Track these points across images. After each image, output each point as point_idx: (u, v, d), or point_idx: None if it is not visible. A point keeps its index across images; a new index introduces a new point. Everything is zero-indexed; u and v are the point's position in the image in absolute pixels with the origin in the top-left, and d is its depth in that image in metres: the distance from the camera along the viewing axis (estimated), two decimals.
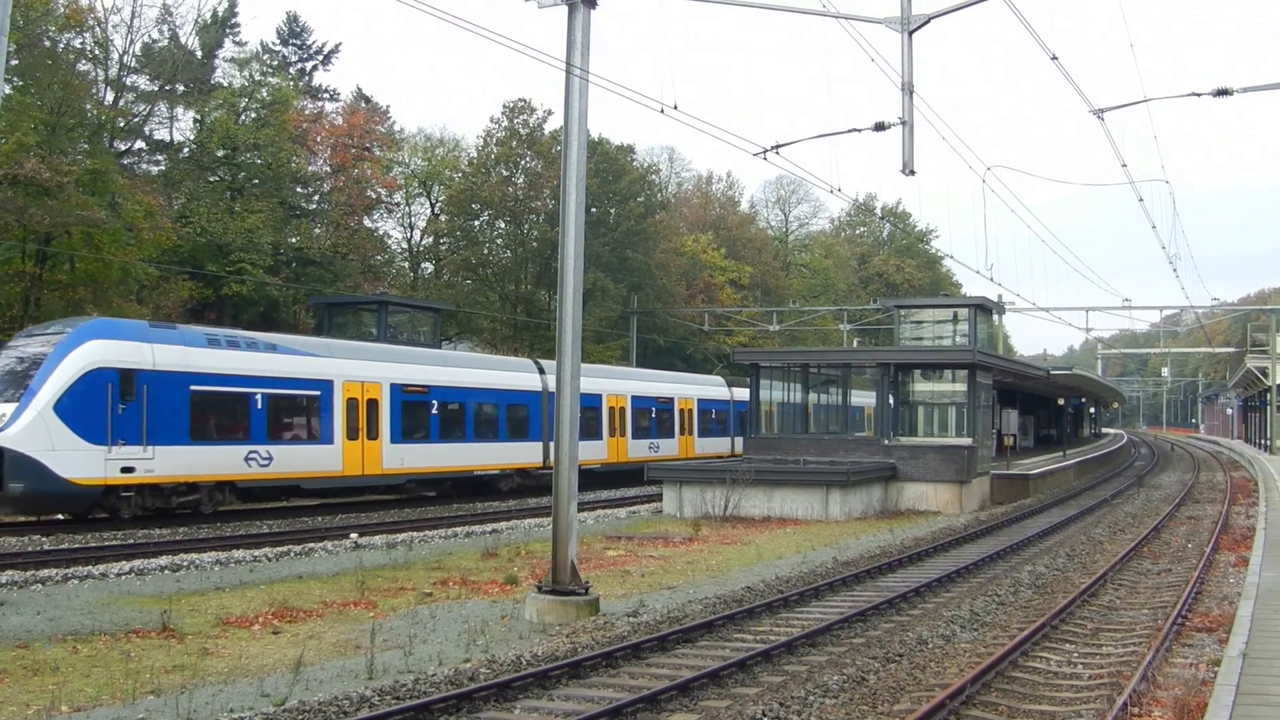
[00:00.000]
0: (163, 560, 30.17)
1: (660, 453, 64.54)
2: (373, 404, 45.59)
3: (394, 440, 46.55)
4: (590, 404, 57.88)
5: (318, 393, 43.59)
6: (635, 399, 64.29)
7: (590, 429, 57.90)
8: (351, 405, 44.63)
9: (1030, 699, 16.49)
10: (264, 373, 41.60)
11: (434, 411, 49.34)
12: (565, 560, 22.99)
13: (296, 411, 43.14)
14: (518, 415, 54.09)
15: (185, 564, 29.84)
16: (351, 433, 44.49)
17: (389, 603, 24.56)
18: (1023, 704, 16.19)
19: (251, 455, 40.77)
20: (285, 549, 33.08)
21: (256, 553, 32.10)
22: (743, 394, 64.56)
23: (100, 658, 18.73)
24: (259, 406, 41.08)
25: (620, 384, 63.76)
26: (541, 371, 55.44)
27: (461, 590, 26.50)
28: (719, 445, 70.83)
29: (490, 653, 19.31)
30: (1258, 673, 15.20)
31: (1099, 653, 19.68)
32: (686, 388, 70.82)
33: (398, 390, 46.93)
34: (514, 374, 54.92)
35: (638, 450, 63.43)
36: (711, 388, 73.05)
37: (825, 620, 21.83)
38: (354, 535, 36.47)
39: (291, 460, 42.30)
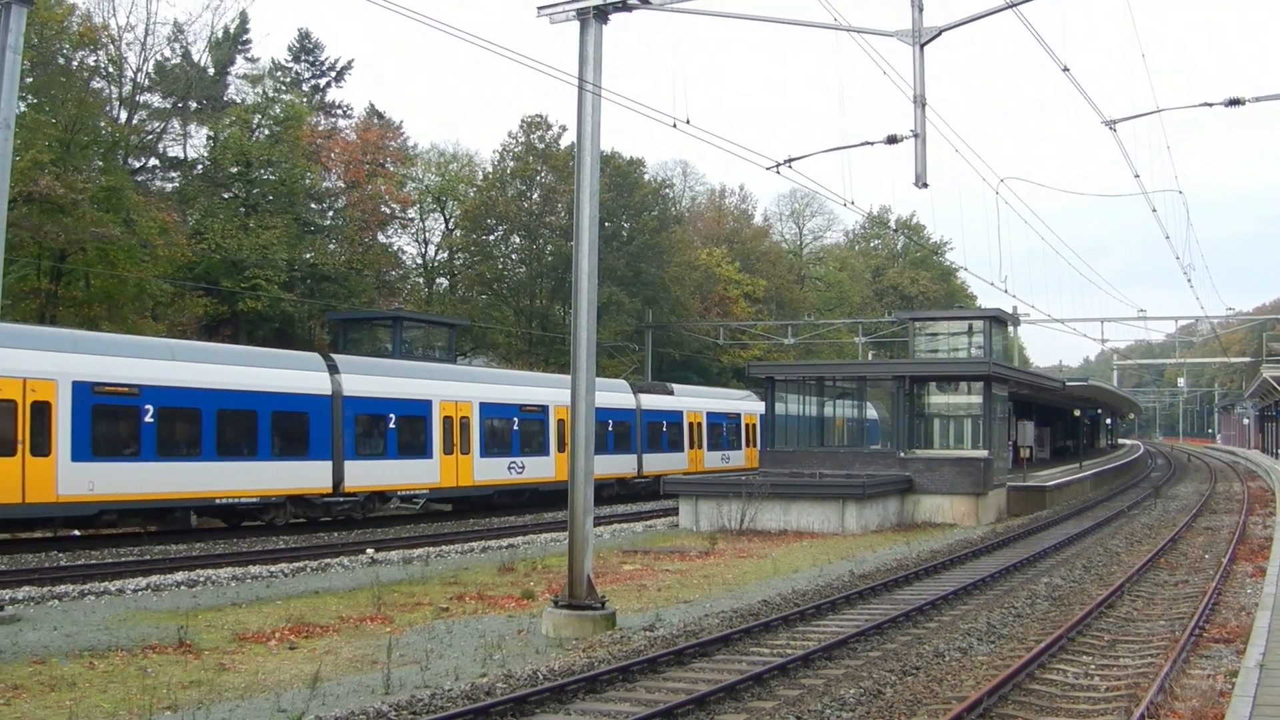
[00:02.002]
0: (179, 576, 30.25)
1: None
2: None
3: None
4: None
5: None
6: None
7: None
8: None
9: (1047, 711, 16.48)
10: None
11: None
12: (581, 575, 23.00)
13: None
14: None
15: (202, 580, 29.92)
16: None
17: (405, 618, 24.58)
18: (1040, 716, 16.18)
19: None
20: (302, 565, 33.14)
21: (273, 568, 32.16)
22: None
23: (117, 673, 18.77)
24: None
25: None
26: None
27: (478, 605, 26.53)
28: None
29: (507, 667, 19.32)
30: (1275, 684, 15.16)
31: (1116, 664, 19.66)
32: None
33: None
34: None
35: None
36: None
37: (842, 633, 21.82)
38: (370, 551, 36.51)
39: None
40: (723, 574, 32.25)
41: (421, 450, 47.36)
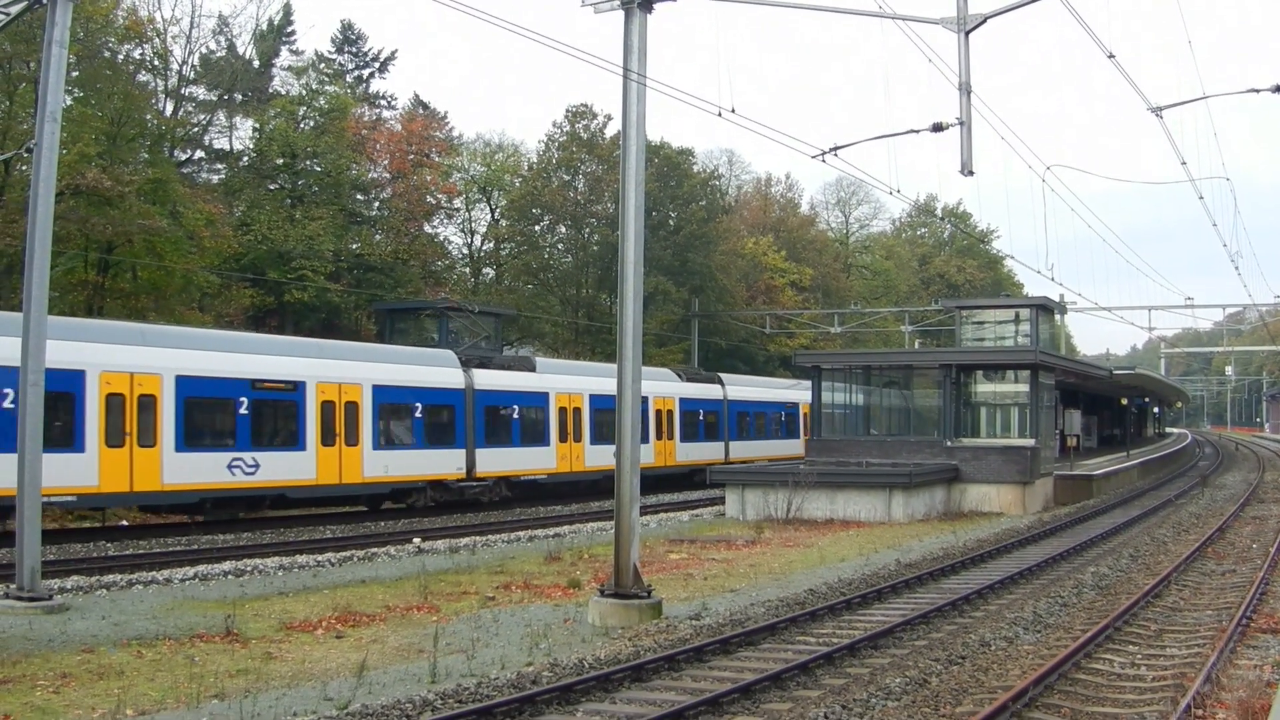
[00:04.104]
0: (226, 565, 30.39)
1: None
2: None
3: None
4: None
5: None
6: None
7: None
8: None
9: (1093, 701, 16.42)
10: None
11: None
12: (628, 564, 23.03)
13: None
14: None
15: (249, 569, 30.07)
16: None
17: (452, 607, 24.65)
18: (1086, 706, 16.12)
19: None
20: (348, 554, 33.24)
21: (320, 558, 32.28)
22: None
23: (165, 662, 18.90)
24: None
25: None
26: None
27: (524, 594, 26.58)
28: None
29: (553, 656, 19.37)
30: None
31: (1163, 654, 19.58)
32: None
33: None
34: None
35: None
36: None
37: (887, 622, 21.81)
38: (417, 540, 36.66)
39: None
40: (769, 563, 32.25)
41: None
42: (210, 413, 38.24)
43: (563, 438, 53.13)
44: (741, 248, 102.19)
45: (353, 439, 42.53)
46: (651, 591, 23.33)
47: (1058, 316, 79.73)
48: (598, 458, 54.24)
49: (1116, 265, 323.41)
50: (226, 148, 75.13)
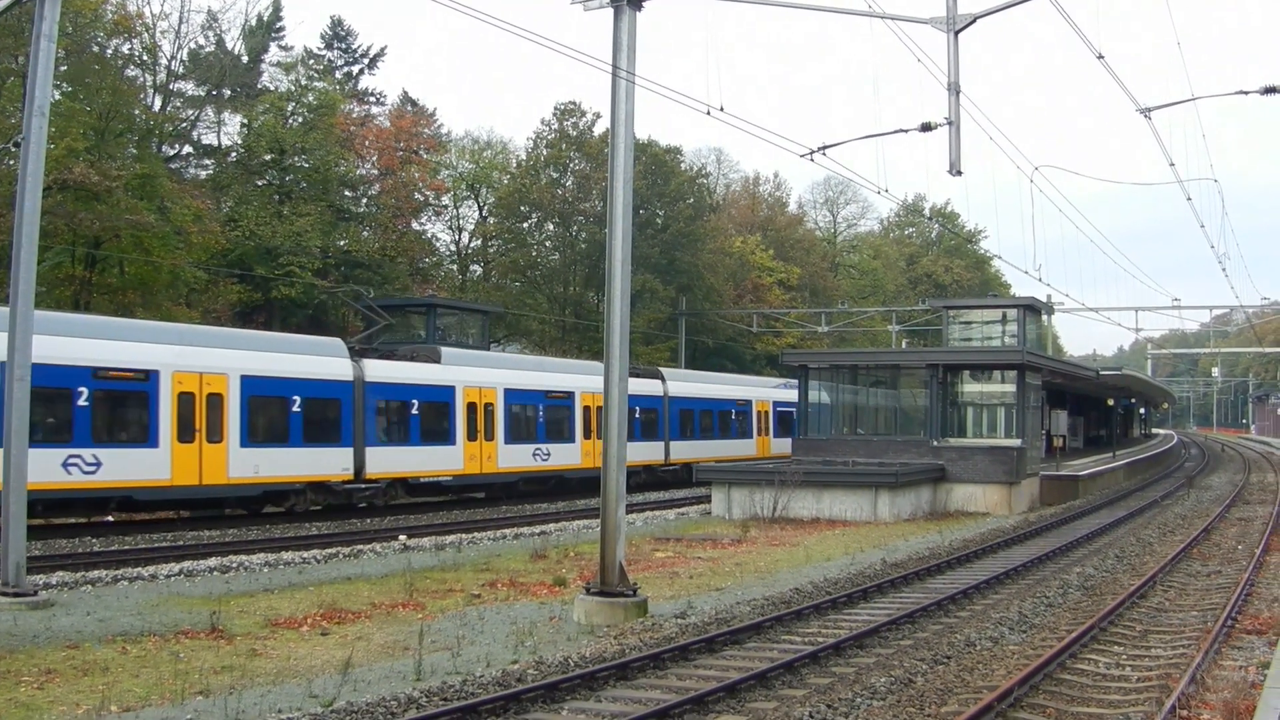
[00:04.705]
0: (212, 562, 30.43)
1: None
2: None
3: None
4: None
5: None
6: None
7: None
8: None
9: (1078, 701, 16.44)
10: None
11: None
12: (613, 562, 23.02)
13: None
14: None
15: (234, 565, 30.09)
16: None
17: (437, 604, 24.65)
18: (1071, 706, 16.14)
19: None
20: (334, 551, 33.28)
21: (305, 554, 32.31)
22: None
23: (149, 658, 18.87)
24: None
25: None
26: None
27: (510, 592, 26.58)
28: None
29: (538, 654, 19.37)
30: None
31: (1148, 655, 19.62)
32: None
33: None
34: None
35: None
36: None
37: (873, 622, 21.83)
38: (403, 537, 36.63)
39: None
40: (755, 562, 32.27)
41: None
42: (43, 404, 33.32)
43: (471, 436, 48.68)
44: (729, 246, 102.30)
45: (216, 435, 38.54)
46: (637, 590, 23.32)
47: (1045, 317, 79.83)
48: (513, 458, 51.02)
49: (1104, 266, 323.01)
50: (215, 143, 75.30)
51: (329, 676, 17.61)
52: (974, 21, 23.49)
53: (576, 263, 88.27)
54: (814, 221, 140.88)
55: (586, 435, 54.83)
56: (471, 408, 48.82)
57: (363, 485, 44.10)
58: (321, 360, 43.44)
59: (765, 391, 73.79)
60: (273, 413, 41.19)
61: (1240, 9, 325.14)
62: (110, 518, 38.57)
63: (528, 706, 15.89)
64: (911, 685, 17.15)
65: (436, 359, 48.91)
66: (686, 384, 66.27)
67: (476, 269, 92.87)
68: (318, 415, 42.51)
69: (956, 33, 23.47)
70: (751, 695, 16.65)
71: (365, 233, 77.51)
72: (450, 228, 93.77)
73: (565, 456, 54.02)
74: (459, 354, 51.36)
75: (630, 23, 23.39)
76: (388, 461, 45.14)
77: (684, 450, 63.16)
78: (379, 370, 45.29)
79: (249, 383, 39.93)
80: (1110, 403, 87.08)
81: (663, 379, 63.67)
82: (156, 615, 22.54)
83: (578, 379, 55.06)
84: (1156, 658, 19.34)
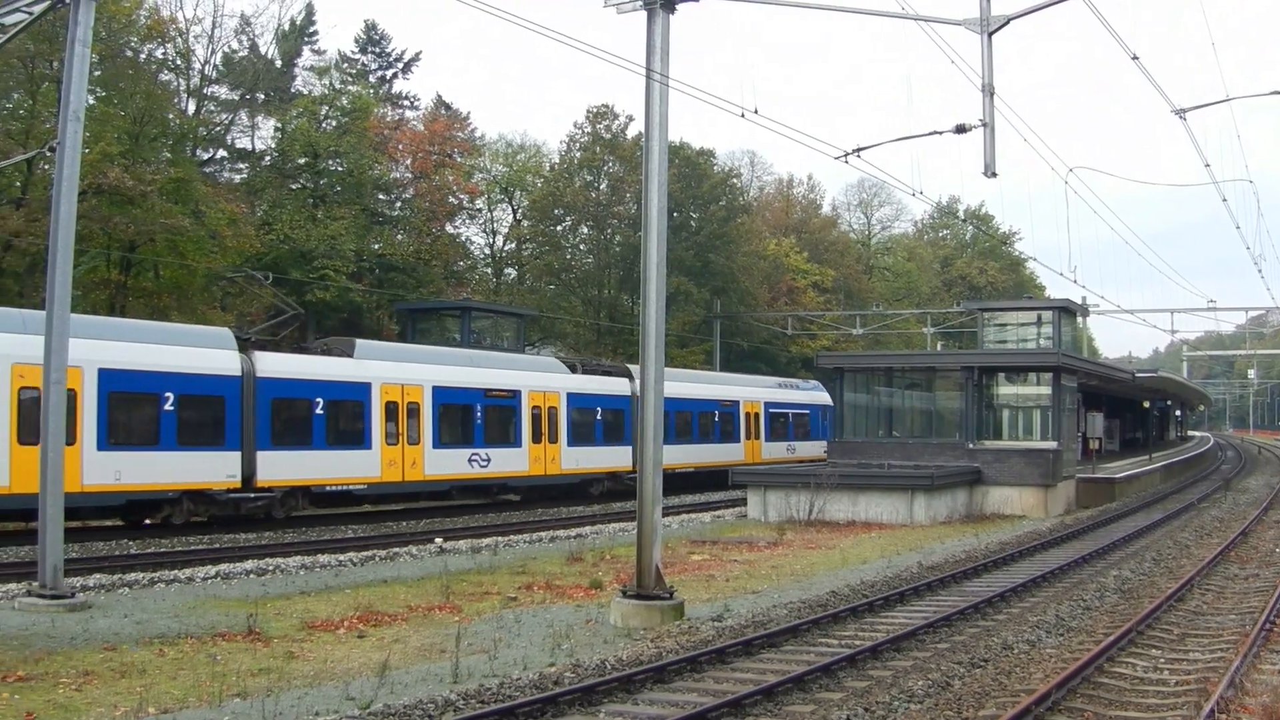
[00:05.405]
0: (248, 564, 30.48)
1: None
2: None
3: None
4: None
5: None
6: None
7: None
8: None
9: (1116, 705, 16.38)
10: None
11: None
12: (650, 565, 23.02)
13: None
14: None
15: (271, 568, 30.14)
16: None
17: (474, 607, 24.67)
18: (1109, 710, 16.08)
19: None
20: (370, 554, 33.30)
21: (341, 557, 32.34)
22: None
23: (187, 660, 18.93)
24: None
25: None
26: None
27: (546, 595, 26.60)
28: None
29: (575, 657, 19.37)
30: None
31: (1186, 658, 19.53)
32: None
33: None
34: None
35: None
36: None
37: (910, 625, 21.79)
38: (439, 540, 36.61)
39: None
40: (791, 565, 32.24)
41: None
42: None
43: (392, 439, 44.00)
44: (763, 249, 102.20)
45: (69, 437, 31.20)
46: (674, 593, 23.32)
47: (1080, 319, 79.50)
48: (444, 464, 46.24)
49: (1139, 268, 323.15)
50: (249, 147, 75.52)
51: (366, 679, 17.64)
52: (1007, 23, 23.42)
53: (611, 266, 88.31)
54: (848, 224, 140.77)
55: (536, 439, 50.75)
56: (392, 407, 44.31)
57: (253, 494, 39.36)
58: (200, 352, 38.48)
59: (756, 391, 70.26)
60: (139, 411, 36.81)
61: (1277, 8, 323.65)
62: (147, 520, 38.42)
63: (565, 709, 15.89)
64: (949, 689, 17.12)
65: (350, 352, 44.34)
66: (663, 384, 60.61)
67: (511, 272, 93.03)
68: (196, 414, 37.94)
69: (990, 34, 23.41)
70: (788, 699, 16.63)
71: (399, 236, 77.66)
72: (484, 231, 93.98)
73: (509, 463, 49.44)
74: (377, 347, 47.94)
75: (664, 25, 23.39)
76: (285, 467, 40.43)
77: None
78: (273, 364, 40.79)
79: (109, 377, 35.56)
80: (1146, 405, 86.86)
81: (631, 377, 56.22)
82: (193, 617, 22.62)
83: (524, 376, 51.15)
84: (1194, 661, 19.25)
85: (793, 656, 19.42)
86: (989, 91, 23.73)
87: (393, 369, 44.81)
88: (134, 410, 36.55)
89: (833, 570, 31.01)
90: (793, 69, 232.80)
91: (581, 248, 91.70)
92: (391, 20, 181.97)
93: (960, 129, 25.40)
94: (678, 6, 23.73)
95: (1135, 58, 29.26)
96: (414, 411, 44.97)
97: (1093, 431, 69.82)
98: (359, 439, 42.95)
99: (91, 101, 49.78)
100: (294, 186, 71.42)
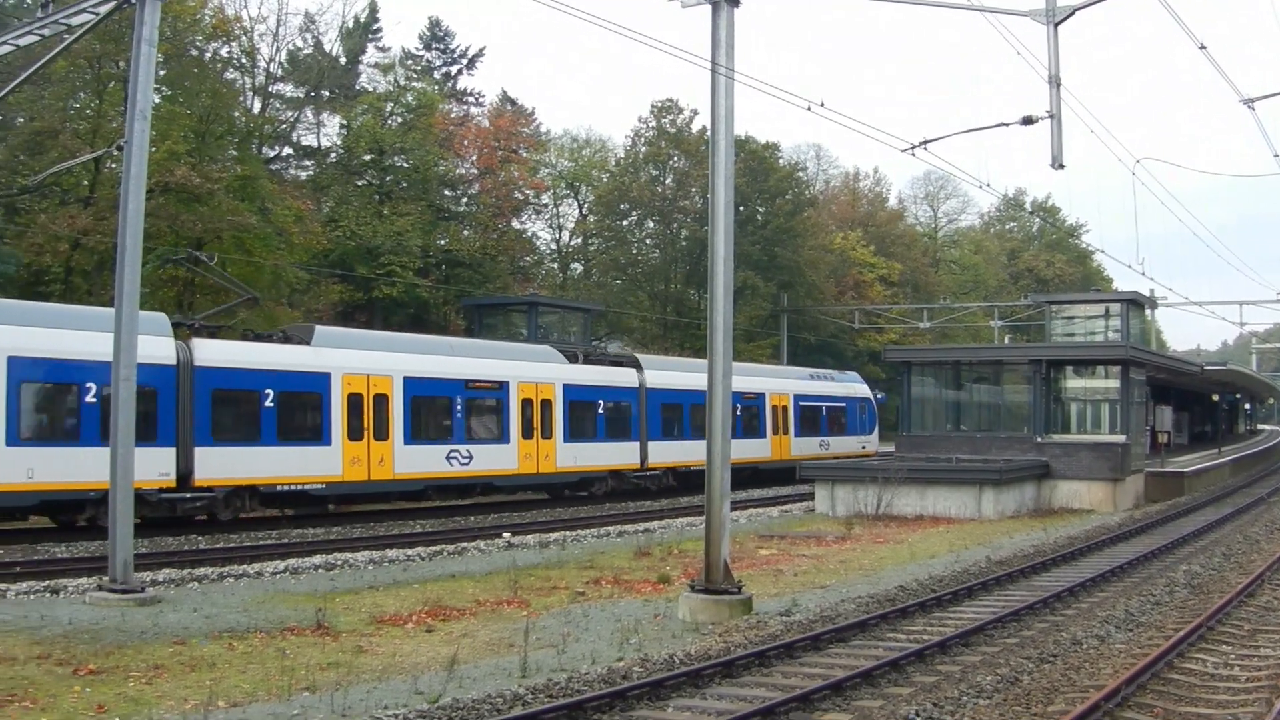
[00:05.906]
0: (317, 559, 30.61)
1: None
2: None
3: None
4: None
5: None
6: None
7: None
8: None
9: (1186, 700, 16.28)
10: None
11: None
12: (718, 559, 23.01)
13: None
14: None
15: (339, 563, 30.23)
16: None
17: (542, 601, 24.71)
18: (1179, 706, 15.98)
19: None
20: (438, 548, 33.36)
21: (410, 552, 32.43)
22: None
23: (256, 654, 19.06)
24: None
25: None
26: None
27: (614, 589, 26.62)
28: None
29: (643, 651, 19.38)
30: None
31: (1256, 654, 19.39)
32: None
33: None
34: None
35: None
36: None
37: (979, 620, 21.71)
38: (507, 535, 36.62)
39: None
40: (859, 559, 32.16)
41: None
42: None
43: (355, 434, 40.33)
44: (830, 242, 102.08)
45: None
46: (742, 587, 23.31)
47: (1148, 312, 79.03)
48: (417, 461, 42.66)
49: (1207, 260, 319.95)
50: (314, 144, 76.15)
51: (435, 673, 17.70)
52: (1073, 14, 23.33)
53: (677, 260, 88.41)
54: (914, 217, 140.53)
55: (527, 434, 47.08)
56: (356, 400, 40.64)
57: (191, 494, 36.10)
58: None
59: (783, 383, 65.93)
60: (57, 403, 34.22)
61: None
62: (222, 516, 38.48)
63: (633, 704, 15.91)
64: (1018, 684, 17.04)
65: (308, 340, 40.79)
66: (669, 373, 56.20)
67: (577, 267, 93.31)
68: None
69: (1056, 25, 23.33)
70: (857, 694, 16.60)
71: (466, 232, 78.03)
72: (550, 226, 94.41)
73: (495, 460, 45.85)
74: (339, 334, 44.41)
75: (728, 19, 23.36)
76: (227, 465, 37.08)
77: (665, 452, 54.42)
78: (214, 353, 37.34)
79: (18, 365, 32.65)
80: (1215, 398, 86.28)
81: (639, 367, 54.47)
82: (262, 612, 22.76)
83: (513, 366, 47.29)
84: (1265, 657, 19.11)
85: (861, 651, 19.38)
86: (1055, 83, 23.67)
87: (357, 358, 41.41)
88: (50, 402, 34.08)
89: (900, 565, 30.91)
90: (858, 62, 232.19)
91: (647, 242, 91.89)
92: (455, 17, 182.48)
93: (1027, 120, 25.34)
94: (742, 0, 23.72)
95: (1203, 47, 29.12)
96: (381, 404, 41.43)
97: (1161, 425, 69.56)
98: (317, 434, 39.59)
99: (158, 100, 50.17)
100: (360, 183, 71.89)
